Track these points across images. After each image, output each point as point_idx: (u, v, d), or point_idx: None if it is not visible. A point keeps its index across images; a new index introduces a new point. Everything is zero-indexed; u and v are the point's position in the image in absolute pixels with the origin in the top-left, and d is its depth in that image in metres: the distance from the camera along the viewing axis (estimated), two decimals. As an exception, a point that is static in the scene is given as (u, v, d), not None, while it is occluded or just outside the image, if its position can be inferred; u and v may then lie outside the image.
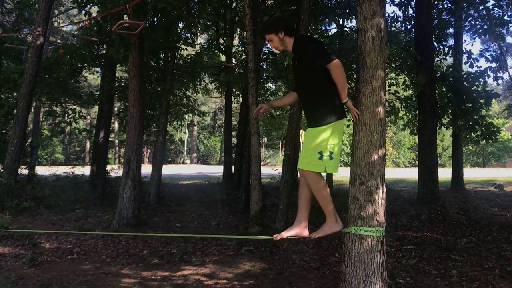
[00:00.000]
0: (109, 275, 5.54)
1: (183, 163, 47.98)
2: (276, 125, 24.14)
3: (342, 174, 20.73)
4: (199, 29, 14.29)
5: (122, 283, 5.18)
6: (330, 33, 16.42)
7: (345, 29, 14.94)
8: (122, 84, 15.40)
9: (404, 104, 13.42)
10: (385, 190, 3.61)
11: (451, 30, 13.71)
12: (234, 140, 21.10)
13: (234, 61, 17.62)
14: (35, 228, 8.25)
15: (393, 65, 13.53)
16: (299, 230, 3.92)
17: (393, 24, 14.93)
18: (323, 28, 16.12)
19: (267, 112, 21.48)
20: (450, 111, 12.53)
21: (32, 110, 16.60)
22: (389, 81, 14.99)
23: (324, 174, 3.75)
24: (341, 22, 14.77)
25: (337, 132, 3.63)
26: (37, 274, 5.57)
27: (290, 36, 3.75)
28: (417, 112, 12.69)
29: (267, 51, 16.21)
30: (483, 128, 12.29)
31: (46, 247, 7.02)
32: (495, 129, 12.31)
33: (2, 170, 11.23)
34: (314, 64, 3.55)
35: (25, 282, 5.16)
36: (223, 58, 19.88)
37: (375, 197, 3.53)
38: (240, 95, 18.43)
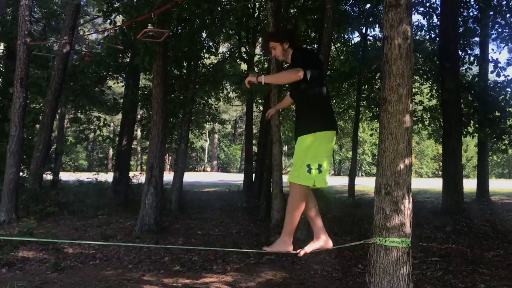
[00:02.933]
0: (131, 281, 5.56)
1: (203, 170, 48.19)
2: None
3: (365, 184, 20.55)
4: (222, 38, 14.36)
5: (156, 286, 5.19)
6: (353, 42, 16.35)
7: (368, 37, 14.84)
8: (146, 92, 15.58)
9: (429, 114, 13.24)
10: (411, 200, 3.54)
11: (477, 38, 13.48)
12: (255, 149, 21.09)
13: (256, 69, 17.66)
14: (59, 233, 8.35)
15: (418, 74, 13.38)
16: (323, 243, 3.83)
17: (418, 33, 14.79)
18: (346, 36, 16.06)
19: (291, 120, 21.43)
20: (476, 120, 12.30)
21: (57, 117, 16.90)
22: (414, 90, 14.83)
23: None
24: (364, 30, 14.69)
25: (324, 143, 3.50)
26: (60, 279, 5.62)
27: (293, 49, 3.68)
28: (441, 121, 12.50)
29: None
30: (511, 137, 12.03)
31: (69, 252, 7.09)
32: (524, 138, 12.03)
33: (27, 176, 11.44)
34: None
35: (48, 287, 5.21)
36: (244, 66, 19.95)
37: (401, 208, 3.46)
38: (262, 104, 18.44)
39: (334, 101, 18.34)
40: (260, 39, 16.75)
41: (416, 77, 13.52)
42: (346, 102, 18.52)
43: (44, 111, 11.78)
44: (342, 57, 16.86)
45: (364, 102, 15.59)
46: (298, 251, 3.75)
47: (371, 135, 23.01)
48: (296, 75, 3.33)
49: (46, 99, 11.79)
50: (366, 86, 15.46)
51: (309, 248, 3.78)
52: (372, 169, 39.07)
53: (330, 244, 3.81)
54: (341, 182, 23.03)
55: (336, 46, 16.16)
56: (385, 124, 3.60)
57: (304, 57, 3.50)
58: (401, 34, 3.55)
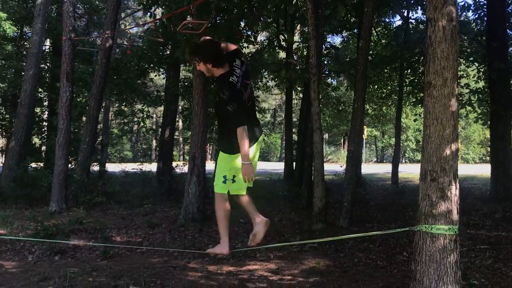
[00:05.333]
0: (177, 269, 5.70)
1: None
2: (342, 118, 23.83)
3: (409, 171, 20.11)
4: (260, 26, 14.32)
5: (189, 276, 5.31)
6: (394, 25, 15.94)
7: (410, 20, 14.42)
8: (186, 83, 15.79)
9: (476, 97, 12.77)
10: (458, 186, 3.44)
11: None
12: (295, 137, 21.02)
13: (295, 57, 17.54)
14: (107, 222, 8.63)
15: (464, 57, 12.91)
16: (258, 228, 4.00)
17: (464, 14, 14.24)
18: (387, 20, 15.67)
19: (331, 107, 21.15)
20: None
21: (102, 110, 17.40)
22: (459, 73, 14.34)
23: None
24: (406, 13, 14.29)
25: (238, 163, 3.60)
26: (109, 266, 5.84)
27: (217, 67, 3.56)
28: (489, 104, 12.04)
29: (328, 46, 16.00)
30: None
31: (117, 240, 7.34)
32: None
33: (75, 167, 11.88)
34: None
35: (98, 274, 5.42)
36: (283, 54, 19.84)
37: (448, 194, 3.37)
38: (301, 91, 18.33)
39: (376, 86, 18.00)
40: (299, 26, 16.61)
41: (462, 60, 13.04)
42: (389, 87, 18.13)
43: (89, 104, 12.16)
44: (383, 42, 16.48)
45: (407, 87, 15.22)
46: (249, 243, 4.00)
47: (414, 120, 22.42)
48: (244, 132, 3.42)
49: (91, 92, 12.15)
50: (409, 71, 15.07)
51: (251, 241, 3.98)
52: (416, 156, 38.10)
53: (262, 226, 3.97)
54: (384, 169, 22.66)
55: (377, 30, 15.80)
56: (429, 109, 3.50)
57: (230, 96, 3.46)
58: (446, 16, 3.42)
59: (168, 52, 15.39)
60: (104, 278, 5.16)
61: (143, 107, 16.46)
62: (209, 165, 9.52)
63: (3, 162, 14.93)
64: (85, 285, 4.92)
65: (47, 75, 17.97)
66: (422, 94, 13.24)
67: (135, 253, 6.60)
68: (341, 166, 15.00)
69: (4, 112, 19.61)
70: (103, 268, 5.69)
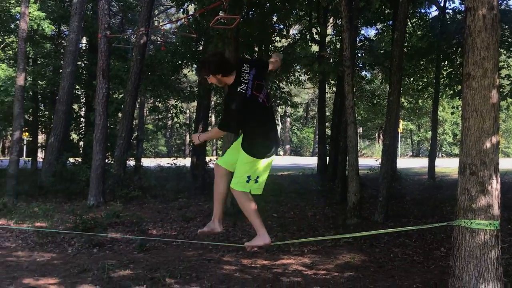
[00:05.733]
0: (211, 262, 5.76)
1: (276, 154, 48.47)
2: (377, 111, 23.44)
3: (446, 165, 19.64)
4: (292, 20, 14.24)
5: (224, 269, 5.36)
6: (430, 16, 15.56)
7: (447, 10, 14.01)
8: (219, 78, 15.83)
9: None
10: (499, 180, 3.33)
11: None
12: (328, 131, 20.85)
13: (328, 50, 17.37)
14: (143, 216, 8.78)
15: (504, 47, 12.46)
16: (214, 226, 3.90)
17: (504, 2, 13.73)
18: (422, 10, 15.29)
19: (365, 101, 20.89)
20: None
21: (137, 106, 17.71)
22: (500, 63, 13.86)
23: None
24: (442, 3, 13.91)
25: (262, 166, 3.72)
26: (145, 258, 5.96)
27: (228, 76, 3.54)
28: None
29: (362, 38, 15.75)
30: None
31: (153, 233, 7.48)
32: None
33: (112, 162, 12.16)
34: None
35: (135, 266, 5.54)
36: (316, 48, 19.66)
37: (488, 188, 3.27)
38: (334, 85, 18.15)
39: (411, 79, 17.63)
40: (332, 18, 16.42)
41: (502, 50, 12.59)
42: (425, 79, 17.70)
43: (125, 100, 12.40)
44: (419, 33, 16.09)
45: (444, 79, 14.82)
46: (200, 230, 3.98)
47: (452, 113, 21.84)
48: (219, 133, 3.74)
49: (127, 89, 12.39)
50: (446, 62, 14.66)
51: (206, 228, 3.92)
52: (453, 150, 37.14)
53: (219, 229, 3.92)
54: (420, 163, 22.20)
55: (412, 21, 15.44)
56: (469, 101, 3.39)
57: (226, 107, 3.61)
58: (486, 4, 3.30)
59: (201, 48, 15.51)
60: (140, 271, 5.27)
61: (177, 103, 16.66)
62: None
63: (43, 157, 15.42)
64: (123, 277, 5.03)
65: (84, 72, 18.43)
66: (460, 86, 12.89)
67: (171, 246, 6.71)
68: (376, 160, 14.79)
69: (43, 109, 20.30)
70: (140, 261, 5.81)
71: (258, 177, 3.73)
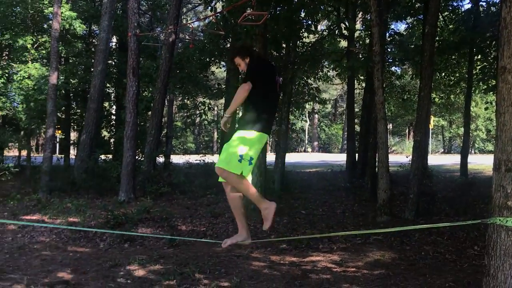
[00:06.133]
0: (240, 258, 5.78)
1: (304, 151, 48.25)
2: (407, 107, 23.04)
3: (479, 162, 19.16)
4: (320, 15, 14.10)
5: (252, 265, 5.37)
6: (463, 9, 15.18)
7: (481, 3, 13.62)
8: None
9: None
10: (537, 177, 3.21)
11: None
12: (357, 128, 20.61)
13: (356, 45, 17.16)
14: (173, 212, 8.87)
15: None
16: (242, 238, 3.85)
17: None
18: (455, 4, 14.91)
19: (395, 96, 20.60)
20: None
21: (167, 103, 17.92)
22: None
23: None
24: (475, -5, 13.53)
25: (257, 143, 3.66)
26: (175, 253, 6.02)
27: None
28: None
29: (392, 33, 15.50)
30: None
31: (183, 229, 7.55)
32: None
33: (142, 159, 12.34)
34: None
35: (165, 261, 5.61)
36: (344, 43, 19.44)
37: (526, 185, 3.16)
38: (363, 80, 17.91)
39: (443, 74, 17.25)
40: (361, 13, 16.21)
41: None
42: (457, 74, 17.29)
43: (154, 98, 12.55)
44: (450, 27, 15.71)
45: (477, 74, 14.44)
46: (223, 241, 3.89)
47: (485, 109, 21.24)
48: (244, 90, 3.58)
49: (156, 86, 12.53)
50: (479, 56, 14.29)
51: (230, 241, 3.87)
52: (487, 146, 36.19)
53: (249, 241, 3.89)
54: (452, 160, 21.72)
55: (443, 15, 15.09)
56: (504, 95, 3.28)
57: (254, 69, 3.77)
58: (523, -6, 3.19)
59: (228, 45, 15.55)
60: (170, 266, 5.34)
61: (205, 100, 16.77)
62: (270, 157, 9.58)
63: (75, 154, 15.78)
64: (153, 272, 5.10)
65: (114, 70, 18.76)
66: (494, 81, 12.53)
67: (200, 241, 6.76)
68: (406, 157, 14.56)
69: (75, 107, 20.74)
70: (169, 256, 5.88)
71: (252, 158, 3.61)
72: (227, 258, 5.76)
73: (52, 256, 5.92)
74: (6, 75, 16.46)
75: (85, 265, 5.48)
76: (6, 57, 17.86)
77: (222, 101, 19.82)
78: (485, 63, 13.80)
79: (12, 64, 16.58)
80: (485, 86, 14.12)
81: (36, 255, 5.97)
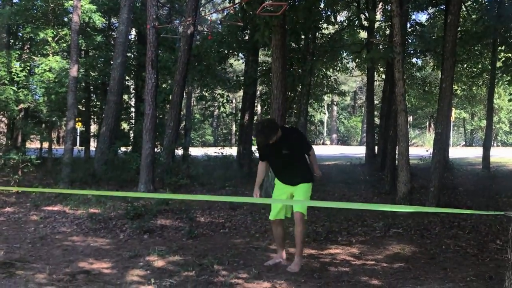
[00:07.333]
0: (259, 250, 5.78)
1: (323, 144, 48.00)
2: (428, 99, 22.70)
3: (502, 155, 18.80)
4: (340, 6, 13.95)
5: (271, 257, 5.35)
6: (484, 0, 14.84)
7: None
8: (264, 67, 15.82)
9: None
10: None
11: None
12: (376, 120, 20.39)
13: (377, 36, 16.92)
14: (191, 203, 8.90)
15: None
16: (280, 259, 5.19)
17: None
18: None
19: (416, 88, 20.34)
20: None
21: (185, 96, 17.97)
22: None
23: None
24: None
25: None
26: (194, 245, 6.04)
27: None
28: None
29: (413, 23, 15.25)
30: None
31: (201, 221, 7.58)
32: None
33: (161, 151, 12.41)
34: (303, 146, 4.99)
35: (184, 252, 5.63)
36: (363, 34, 19.21)
37: (553, 178, 3.07)
38: (383, 72, 17.68)
39: (465, 65, 16.94)
40: (381, 4, 15.98)
41: None
42: (479, 65, 16.94)
43: (173, 90, 12.59)
44: (473, 16, 15.38)
45: (501, 65, 14.12)
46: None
47: (509, 100, 20.83)
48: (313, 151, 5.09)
49: (175, 79, 12.57)
50: (503, 47, 13.96)
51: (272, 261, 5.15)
52: (510, 139, 35.54)
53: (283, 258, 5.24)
54: (473, 153, 21.35)
55: (466, 4, 14.77)
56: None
57: (301, 135, 5.27)
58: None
59: (247, 37, 15.50)
60: (189, 257, 5.35)
61: (223, 92, 16.77)
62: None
63: (95, 146, 15.97)
64: (172, 263, 5.13)
65: (133, 63, 18.87)
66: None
67: (218, 233, 6.77)
68: (427, 150, 14.35)
69: (95, 99, 20.98)
70: (188, 247, 5.90)
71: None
72: (245, 249, 5.76)
73: (73, 246, 6.00)
74: (28, 68, 16.71)
75: (105, 255, 5.54)
76: (28, 50, 18.12)
77: (241, 93, 19.80)
78: (509, 54, 13.46)
79: (34, 57, 16.82)
80: (509, 78, 13.79)
81: (57, 245, 6.06)
